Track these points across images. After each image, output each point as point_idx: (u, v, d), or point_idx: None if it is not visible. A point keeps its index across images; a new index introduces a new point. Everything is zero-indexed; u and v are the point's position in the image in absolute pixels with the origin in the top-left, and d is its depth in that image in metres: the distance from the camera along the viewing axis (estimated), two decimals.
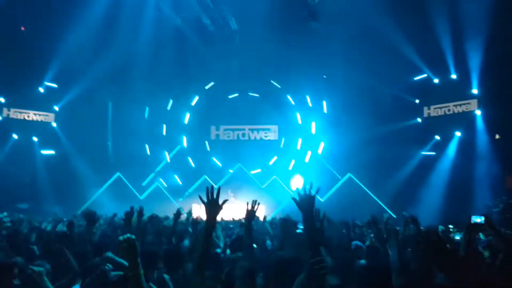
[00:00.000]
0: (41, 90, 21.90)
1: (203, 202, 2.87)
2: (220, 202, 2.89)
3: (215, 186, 2.95)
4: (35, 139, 21.77)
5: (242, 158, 22.80)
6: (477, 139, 17.81)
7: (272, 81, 23.23)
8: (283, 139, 23.33)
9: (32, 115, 22.08)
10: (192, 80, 22.98)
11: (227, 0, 18.81)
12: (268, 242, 7.21)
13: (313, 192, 2.99)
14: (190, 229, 6.71)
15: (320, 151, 22.29)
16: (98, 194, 21.53)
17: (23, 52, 19.63)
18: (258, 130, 23.87)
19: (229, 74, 22.76)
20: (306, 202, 2.94)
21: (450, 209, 16.25)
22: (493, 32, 15.96)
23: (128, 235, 2.70)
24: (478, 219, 3.89)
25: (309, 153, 22.50)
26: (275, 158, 22.97)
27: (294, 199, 3.00)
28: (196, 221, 5.42)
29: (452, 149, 18.79)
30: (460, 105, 19.10)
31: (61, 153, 21.87)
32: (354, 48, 18.88)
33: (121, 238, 2.66)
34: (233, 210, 17.44)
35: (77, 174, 20.86)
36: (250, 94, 23.41)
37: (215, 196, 2.87)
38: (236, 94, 23.58)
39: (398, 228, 6.32)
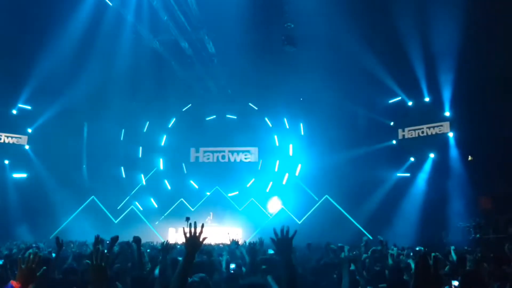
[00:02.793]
0: (14, 112, 21.51)
1: (186, 237, 2.82)
2: (201, 238, 2.84)
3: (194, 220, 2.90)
4: (6, 162, 21.26)
5: (220, 181, 22.64)
6: (450, 160, 18.17)
7: (250, 104, 23.37)
8: (261, 161, 23.33)
9: (4, 138, 21.59)
10: (169, 103, 22.93)
11: (205, 24, 18.95)
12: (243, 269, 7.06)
13: (290, 234, 2.97)
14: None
15: (297, 173, 22.34)
16: (71, 218, 21.00)
17: None
18: (238, 152, 23.81)
19: (206, 96, 22.82)
20: (283, 245, 2.93)
21: (424, 230, 16.44)
22: (464, 56, 16.46)
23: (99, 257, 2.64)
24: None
25: (286, 175, 22.52)
26: (252, 180, 22.90)
27: (272, 239, 2.99)
28: (167, 247, 5.29)
29: (426, 170, 19.09)
30: (433, 127, 19.50)
31: (34, 176, 21.38)
32: (330, 71, 19.16)
33: (88, 261, 2.61)
34: (209, 233, 17.14)
35: (50, 198, 20.36)
36: (228, 116, 23.47)
37: (197, 232, 2.83)
38: (214, 116, 23.61)
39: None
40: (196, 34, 19.21)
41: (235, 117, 23.46)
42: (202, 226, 2.87)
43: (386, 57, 18.45)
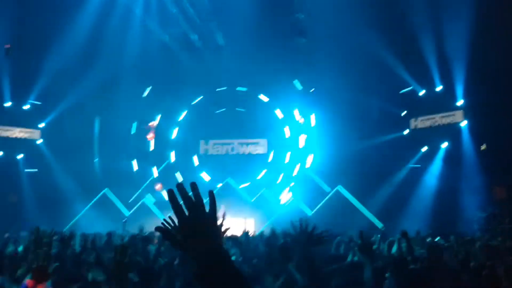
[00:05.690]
0: (27, 107, 21.67)
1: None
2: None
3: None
4: (19, 156, 21.46)
5: (230, 173, 22.62)
6: (463, 150, 17.98)
7: (260, 95, 23.28)
8: (272, 153, 23.27)
9: (17, 133, 21.76)
10: (179, 95, 22.92)
11: (214, 16, 18.93)
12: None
13: (309, 229, 2.87)
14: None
15: (308, 164, 22.24)
16: (84, 211, 21.16)
17: (8, 70, 19.47)
18: (247, 144, 23.75)
19: (216, 88, 22.75)
20: (302, 241, 2.85)
21: (438, 221, 16.32)
22: (477, 43, 16.23)
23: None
24: None
25: (297, 166, 22.45)
26: (264, 172, 22.87)
27: (289, 233, 2.95)
28: (147, 238, 5.28)
29: (439, 160, 18.91)
30: (446, 116, 19.27)
31: (47, 170, 21.54)
32: (341, 62, 19.00)
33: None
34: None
35: (63, 192, 20.53)
36: (237, 109, 23.37)
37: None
38: (224, 109, 23.54)
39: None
40: (206, 26, 19.19)
41: (245, 110, 23.33)
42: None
43: (398, 46, 18.28)
